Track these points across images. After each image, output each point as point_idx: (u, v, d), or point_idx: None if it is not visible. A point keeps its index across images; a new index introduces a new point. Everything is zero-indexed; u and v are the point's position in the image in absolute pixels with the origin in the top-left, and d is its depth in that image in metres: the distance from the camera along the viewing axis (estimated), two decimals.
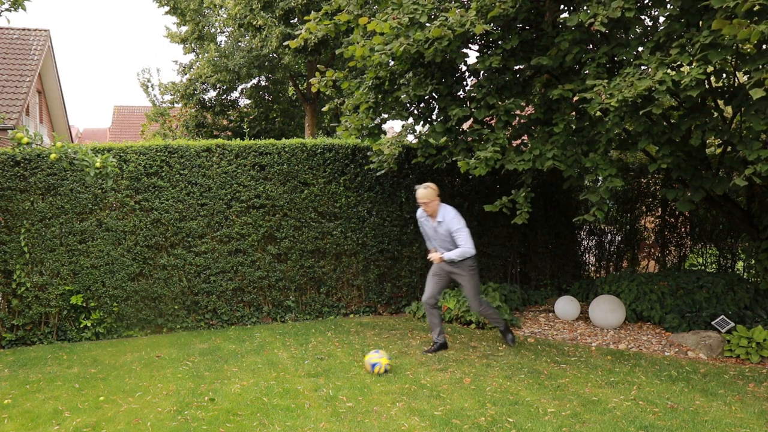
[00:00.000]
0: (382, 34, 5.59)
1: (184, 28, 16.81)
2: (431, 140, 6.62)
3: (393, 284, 7.87)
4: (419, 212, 5.78)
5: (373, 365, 5.12)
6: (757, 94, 4.13)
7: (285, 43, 10.99)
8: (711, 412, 4.26)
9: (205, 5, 14.92)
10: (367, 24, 5.56)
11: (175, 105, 17.66)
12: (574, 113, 5.88)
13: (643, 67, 4.93)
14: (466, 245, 5.48)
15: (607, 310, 6.84)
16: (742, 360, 5.70)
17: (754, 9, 4.19)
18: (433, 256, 5.61)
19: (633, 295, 7.14)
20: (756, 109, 4.76)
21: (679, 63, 4.79)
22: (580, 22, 5.12)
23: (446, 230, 5.54)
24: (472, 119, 6.40)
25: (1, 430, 4.17)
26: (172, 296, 7.09)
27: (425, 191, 5.53)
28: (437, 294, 5.84)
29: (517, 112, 6.22)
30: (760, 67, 4.33)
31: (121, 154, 6.90)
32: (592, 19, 4.94)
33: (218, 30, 16.35)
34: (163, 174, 7.03)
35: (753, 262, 8.11)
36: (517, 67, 6.33)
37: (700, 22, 4.91)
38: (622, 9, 4.82)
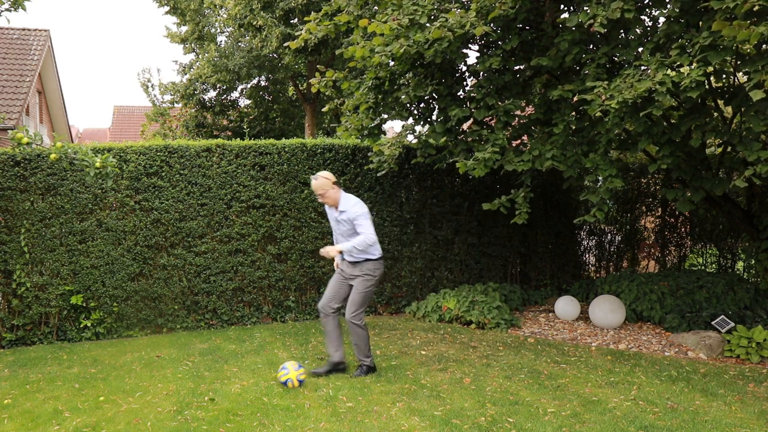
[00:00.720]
0: (382, 35, 5.59)
1: (184, 28, 16.82)
2: (431, 140, 6.62)
3: (393, 284, 7.88)
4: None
5: (285, 383, 4.80)
6: (756, 95, 4.14)
7: (285, 44, 10.99)
8: (711, 412, 4.26)
9: (205, 5, 14.93)
10: (368, 25, 5.56)
11: (175, 105, 17.67)
12: (574, 113, 5.89)
13: (642, 68, 4.94)
14: (367, 231, 4.87)
15: (607, 310, 6.85)
16: (742, 360, 5.70)
17: (754, 9, 4.19)
18: (326, 250, 4.92)
19: (633, 295, 7.14)
20: (756, 109, 4.77)
21: (678, 64, 4.80)
22: (579, 22, 5.12)
23: (348, 220, 4.99)
24: (471, 120, 6.40)
25: (1, 430, 4.17)
26: (172, 296, 7.09)
27: (316, 182, 4.98)
28: (334, 300, 5.13)
29: (517, 112, 6.22)
30: (760, 68, 4.33)
31: (121, 154, 6.90)
32: (592, 20, 4.95)
33: (218, 30, 16.36)
34: (163, 174, 7.03)
35: (753, 262, 8.11)
36: (516, 68, 6.33)
37: (700, 23, 4.92)
38: (622, 10, 4.83)
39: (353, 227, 4.99)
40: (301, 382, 4.83)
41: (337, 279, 5.17)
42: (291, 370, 4.82)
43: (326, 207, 5.23)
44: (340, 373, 5.14)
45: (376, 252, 5.03)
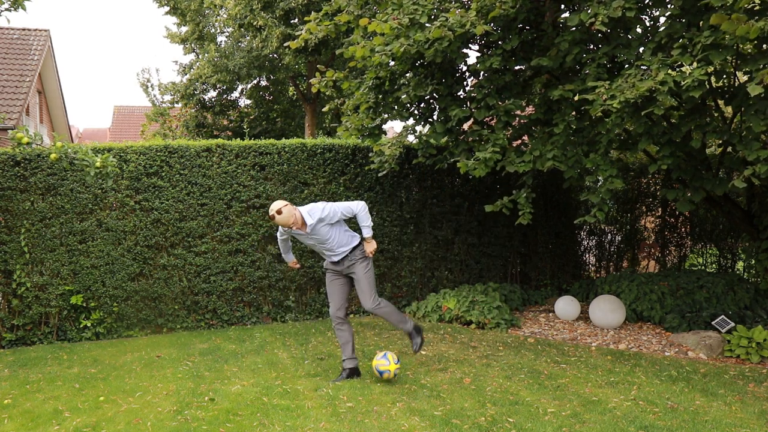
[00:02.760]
0: (382, 34, 5.59)
1: (184, 29, 16.80)
2: (432, 140, 6.62)
3: (393, 284, 7.87)
4: (281, 230, 4.93)
5: (381, 372, 4.79)
6: (755, 90, 4.13)
7: (285, 44, 10.98)
8: (711, 412, 4.26)
9: (205, 5, 14.92)
10: (368, 25, 5.56)
11: (175, 105, 17.65)
12: (574, 113, 5.88)
13: (643, 68, 4.94)
14: (358, 206, 4.79)
15: (607, 310, 6.84)
16: (742, 360, 5.70)
17: (754, 9, 4.20)
18: (369, 248, 4.84)
19: (633, 295, 7.14)
20: (756, 109, 4.77)
21: (679, 63, 4.79)
22: (580, 21, 5.12)
23: (325, 223, 4.76)
24: (472, 120, 6.40)
25: (1, 430, 4.17)
26: (172, 296, 7.09)
27: (283, 216, 4.64)
28: (345, 302, 5.00)
29: (518, 112, 6.22)
30: (762, 67, 4.34)
31: (121, 154, 6.90)
32: (593, 19, 4.95)
33: (218, 30, 16.35)
34: (163, 174, 7.03)
35: (753, 262, 8.11)
36: (517, 68, 6.33)
37: (701, 23, 4.92)
38: (623, 9, 4.82)
39: (329, 229, 4.80)
40: (395, 375, 4.84)
41: (335, 282, 5.01)
42: (392, 363, 4.79)
43: (285, 231, 4.91)
44: (357, 377, 5.00)
45: (357, 237, 4.93)
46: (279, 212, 4.63)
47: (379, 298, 4.91)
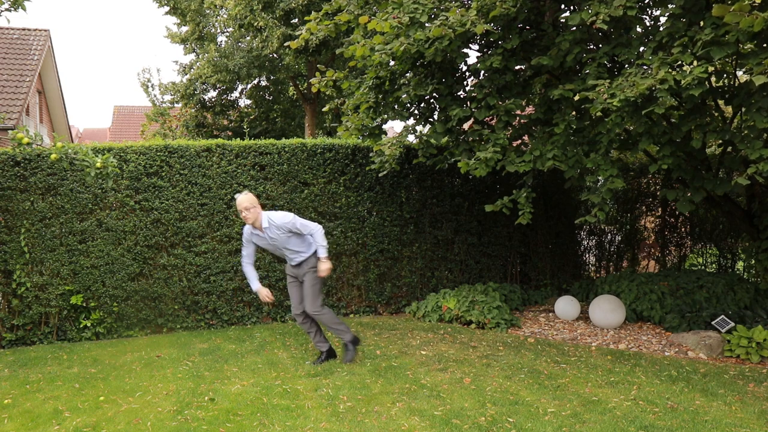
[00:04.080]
0: (382, 33, 5.59)
1: (184, 29, 16.80)
2: (432, 140, 6.62)
3: (393, 284, 7.87)
4: (247, 230, 5.22)
5: None
6: (759, 80, 4.13)
7: (286, 44, 10.98)
8: (711, 412, 4.26)
9: (205, 6, 14.91)
10: (368, 23, 5.56)
11: (175, 105, 17.65)
12: (574, 113, 5.88)
13: (644, 67, 4.93)
14: (316, 227, 5.13)
15: (607, 310, 6.84)
16: (742, 360, 5.70)
17: (760, 5, 4.19)
18: (323, 267, 5.11)
19: (633, 295, 7.14)
20: (759, 106, 4.76)
21: (680, 63, 4.79)
22: (581, 20, 5.11)
23: (285, 230, 5.10)
24: (472, 119, 6.40)
25: (1, 430, 4.17)
26: (172, 296, 7.09)
27: (245, 196, 5.02)
28: (300, 303, 5.38)
29: (518, 112, 6.22)
30: (762, 62, 4.33)
31: (121, 154, 6.90)
32: (594, 18, 4.94)
33: (219, 30, 16.34)
34: (163, 174, 7.03)
35: (753, 262, 8.11)
36: (517, 67, 6.33)
37: (701, 22, 4.91)
38: (624, 7, 4.82)
39: (287, 236, 5.14)
40: None
41: (293, 284, 5.40)
42: None
43: (250, 232, 5.21)
44: (334, 359, 5.48)
45: (314, 247, 5.27)
46: (245, 193, 5.05)
47: (322, 307, 5.28)
